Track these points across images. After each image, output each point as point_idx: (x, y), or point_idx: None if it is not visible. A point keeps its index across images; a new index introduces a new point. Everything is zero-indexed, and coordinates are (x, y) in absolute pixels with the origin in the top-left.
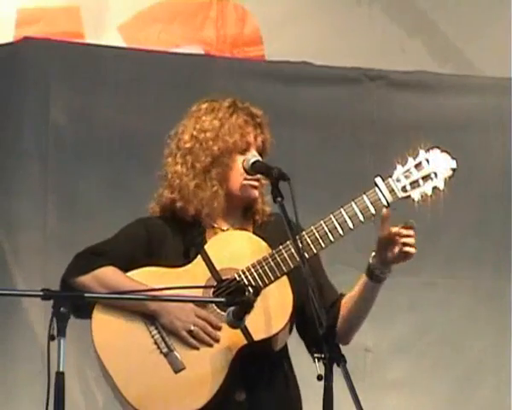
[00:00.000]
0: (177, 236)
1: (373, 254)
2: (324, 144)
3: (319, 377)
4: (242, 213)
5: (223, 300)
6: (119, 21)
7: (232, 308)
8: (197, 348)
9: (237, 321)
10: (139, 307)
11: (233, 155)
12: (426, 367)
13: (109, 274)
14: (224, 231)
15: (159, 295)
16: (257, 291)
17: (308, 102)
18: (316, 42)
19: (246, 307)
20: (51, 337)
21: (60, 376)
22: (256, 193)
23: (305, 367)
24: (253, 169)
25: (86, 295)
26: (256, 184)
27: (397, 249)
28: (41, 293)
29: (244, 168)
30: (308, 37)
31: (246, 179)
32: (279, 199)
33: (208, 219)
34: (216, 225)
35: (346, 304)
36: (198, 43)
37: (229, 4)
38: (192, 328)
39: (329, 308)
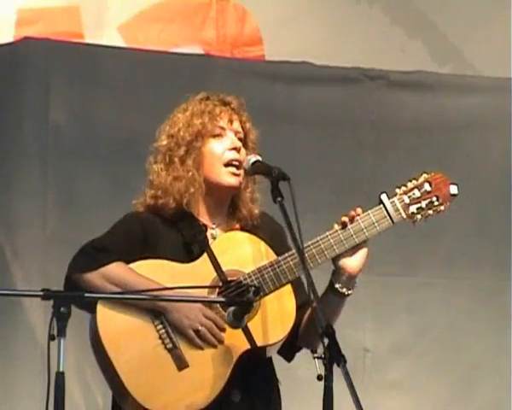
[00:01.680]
0: (172, 230)
1: (333, 273)
2: (324, 144)
3: (319, 377)
4: (229, 212)
5: (223, 300)
6: (118, 21)
7: (232, 309)
8: (201, 348)
9: (237, 321)
10: (147, 302)
11: (205, 138)
12: (425, 367)
13: (116, 270)
14: (212, 228)
15: (160, 296)
16: (257, 291)
17: (308, 102)
18: (316, 42)
19: (246, 307)
20: (51, 337)
21: (60, 376)
22: (236, 181)
23: (305, 367)
24: (252, 169)
25: (86, 295)
26: (236, 171)
27: (358, 253)
28: (41, 293)
29: (244, 168)
30: (308, 37)
31: (224, 166)
32: (279, 199)
33: (189, 209)
34: (203, 220)
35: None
36: (198, 43)
37: (229, 4)
38: (199, 328)
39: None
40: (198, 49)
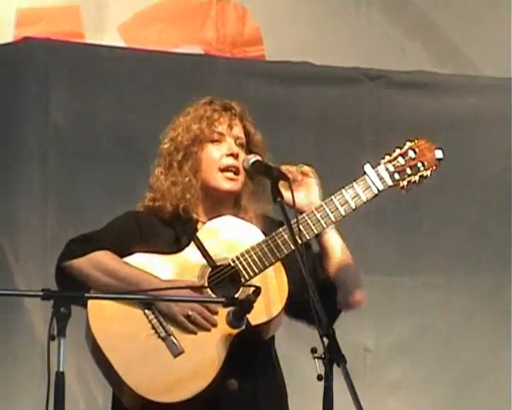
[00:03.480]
0: (167, 229)
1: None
2: (324, 144)
3: (319, 377)
4: (232, 212)
5: (223, 300)
6: (119, 21)
7: (232, 309)
8: (195, 333)
9: (237, 321)
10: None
11: (203, 144)
12: (425, 368)
13: (104, 258)
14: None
15: (157, 295)
16: (258, 291)
17: (308, 102)
18: (316, 42)
19: (246, 307)
20: (51, 337)
21: (60, 376)
22: (232, 186)
23: (305, 367)
24: (252, 169)
25: (86, 295)
26: (233, 177)
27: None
28: (41, 293)
29: (244, 168)
30: (308, 37)
31: (220, 171)
32: (279, 199)
33: (185, 214)
34: (201, 219)
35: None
36: (198, 43)
37: (229, 4)
38: (190, 313)
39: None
40: (198, 49)
